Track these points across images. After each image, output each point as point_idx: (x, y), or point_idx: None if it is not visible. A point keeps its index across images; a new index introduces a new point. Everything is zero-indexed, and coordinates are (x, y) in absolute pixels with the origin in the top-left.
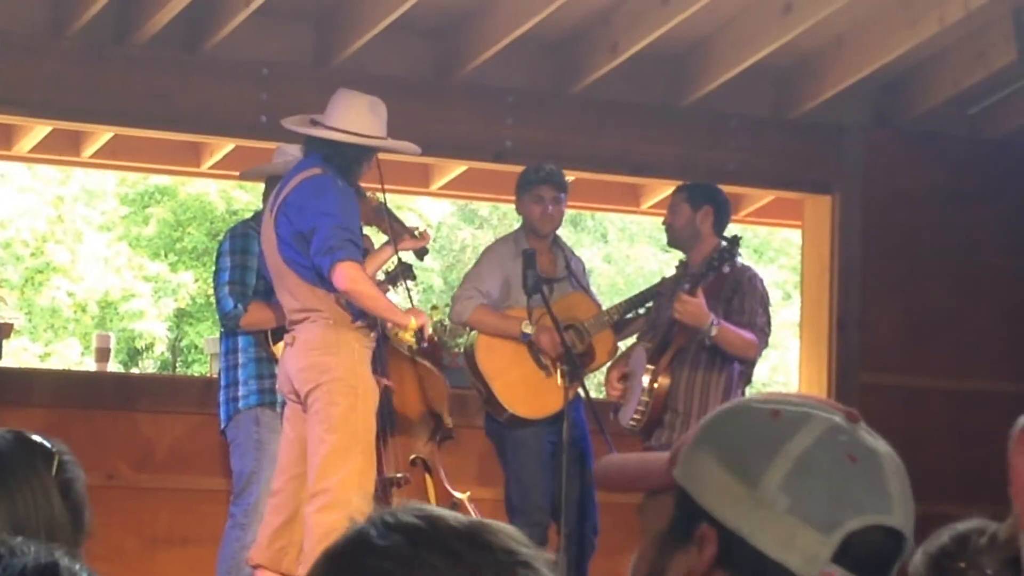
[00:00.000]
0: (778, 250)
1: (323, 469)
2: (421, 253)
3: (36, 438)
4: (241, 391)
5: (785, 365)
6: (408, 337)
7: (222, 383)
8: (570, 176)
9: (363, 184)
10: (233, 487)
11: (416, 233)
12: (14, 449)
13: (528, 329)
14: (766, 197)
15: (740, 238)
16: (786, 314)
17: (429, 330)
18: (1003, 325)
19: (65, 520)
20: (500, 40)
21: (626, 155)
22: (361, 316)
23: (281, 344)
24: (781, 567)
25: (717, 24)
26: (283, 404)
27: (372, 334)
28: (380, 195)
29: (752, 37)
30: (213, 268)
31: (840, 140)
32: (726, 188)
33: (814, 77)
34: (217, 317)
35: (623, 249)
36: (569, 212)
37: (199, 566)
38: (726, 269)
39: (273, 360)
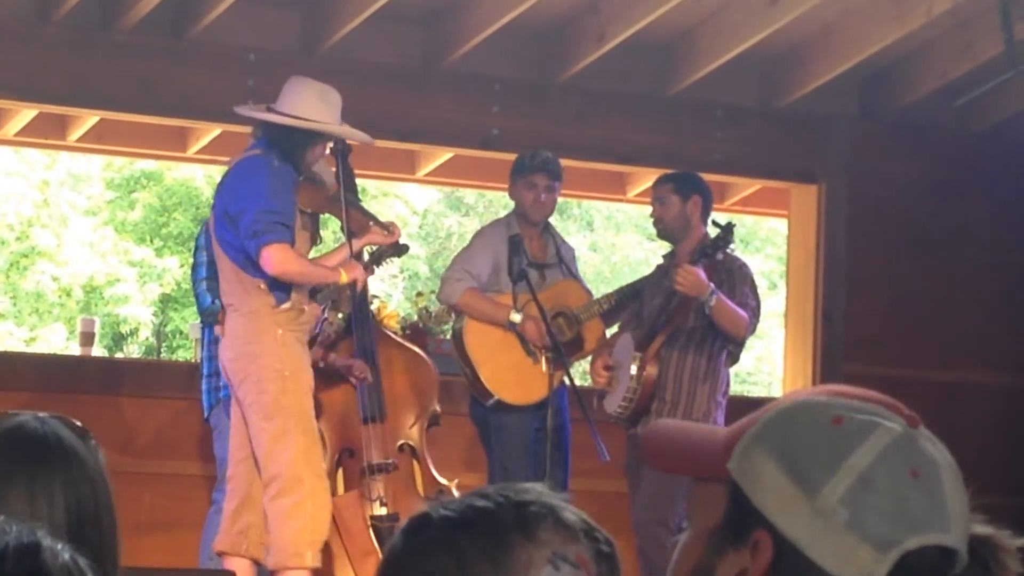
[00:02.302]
0: (764, 239)
1: (268, 457)
2: (401, 250)
3: (73, 420)
4: (222, 381)
5: (770, 355)
6: (394, 324)
7: (204, 372)
8: None
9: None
10: (216, 473)
11: (386, 225)
12: (70, 434)
13: (515, 318)
14: (752, 186)
15: (734, 225)
16: (772, 304)
17: (361, 283)
18: (988, 317)
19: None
20: (487, 28)
21: (612, 144)
22: (284, 300)
23: None
24: None
25: (704, 13)
26: None
27: (301, 317)
28: (336, 183)
29: (739, 27)
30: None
31: (826, 130)
32: (712, 177)
33: (801, 67)
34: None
35: (609, 237)
36: None
37: (183, 551)
38: (720, 256)
39: None
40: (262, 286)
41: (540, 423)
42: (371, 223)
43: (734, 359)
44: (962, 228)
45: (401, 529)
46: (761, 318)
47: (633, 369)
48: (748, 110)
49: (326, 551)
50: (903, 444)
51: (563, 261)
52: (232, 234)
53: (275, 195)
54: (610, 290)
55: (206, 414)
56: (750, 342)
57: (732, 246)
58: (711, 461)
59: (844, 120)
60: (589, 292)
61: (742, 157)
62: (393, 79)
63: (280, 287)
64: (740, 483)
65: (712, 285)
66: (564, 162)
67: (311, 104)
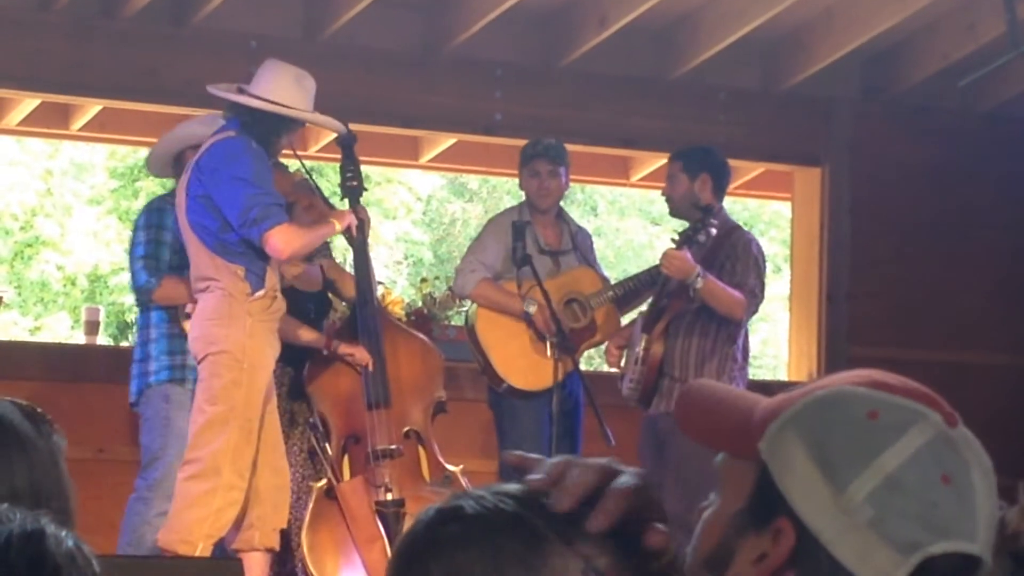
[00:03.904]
0: (768, 222)
1: (198, 439)
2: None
3: (29, 404)
4: (152, 366)
5: (775, 338)
6: (398, 311)
7: (135, 357)
8: None
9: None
10: (141, 460)
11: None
12: (21, 419)
13: (530, 308)
14: (756, 169)
15: (712, 207)
16: (776, 287)
17: (353, 225)
18: (992, 298)
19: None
20: (489, 13)
21: (615, 128)
22: (259, 287)
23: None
24: None
25: None
26: (194, 380)
27: (273, 305)
28: (303, 170)
29: (741, 10)
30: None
31: (829, 113)
32: None
33: (803, 50)
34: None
35: (613, 222)
36: None
37: None
38: (702, 238)
39: (184, 336)
40: (239, 272)
41: (551, 408)
42: (331, 208)
43: (733, 341)
44: (966, 209)
45: (431, 516)
46: (767, 300)
47: (639, 349)
48: (751, 93)
49: (318, 544)
50: (937, 447)
51: (578, 248)
52: (210, 218)
53: (261, 178)
54: (617, 275)
55: (132, 399)
56: (754, 325)
57: (713, 229)
58: (743, 441)
59: (847, 102)
60: (605, 279)
61: (745, 140)
62: (395, 65)
63: (256, 275)
64: (769, 465)
65: (699, 268)
66: (567, 147)
67: (287, 89)
